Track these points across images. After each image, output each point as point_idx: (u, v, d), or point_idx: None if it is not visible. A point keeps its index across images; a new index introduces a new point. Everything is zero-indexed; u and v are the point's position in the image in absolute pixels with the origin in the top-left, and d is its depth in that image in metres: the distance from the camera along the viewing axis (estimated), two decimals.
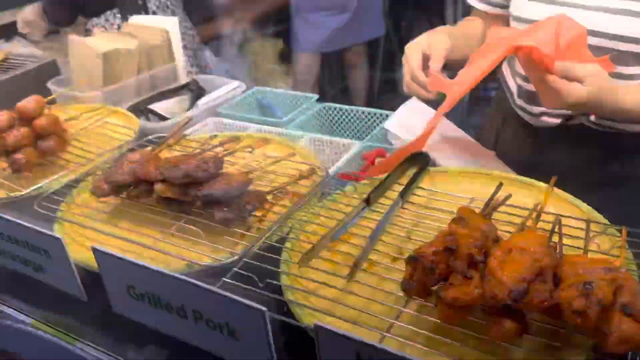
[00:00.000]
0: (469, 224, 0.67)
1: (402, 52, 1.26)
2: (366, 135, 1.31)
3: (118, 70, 1.48)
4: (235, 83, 1.51)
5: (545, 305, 0.59)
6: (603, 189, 1.09)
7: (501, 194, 0.80)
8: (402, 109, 1.13)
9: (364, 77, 3.96)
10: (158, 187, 0.89)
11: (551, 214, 0.78)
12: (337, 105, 1.45)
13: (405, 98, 1.23)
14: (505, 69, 1.30)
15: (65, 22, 2.12)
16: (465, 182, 0.96)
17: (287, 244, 0.82)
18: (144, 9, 2.05)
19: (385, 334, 0.65)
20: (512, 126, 1.25)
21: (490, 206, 0.76)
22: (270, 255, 0.81)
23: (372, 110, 1.40)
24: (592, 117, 1.11)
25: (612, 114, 0.99)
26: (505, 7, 1.18)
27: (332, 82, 4.15)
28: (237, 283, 0.74)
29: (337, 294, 0.74)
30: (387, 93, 4.29)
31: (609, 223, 0.78)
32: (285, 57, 3.98)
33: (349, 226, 0.84)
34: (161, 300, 0.73)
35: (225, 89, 1.47)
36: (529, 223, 0.72)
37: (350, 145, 1.23)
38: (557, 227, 0.74)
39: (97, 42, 1.48)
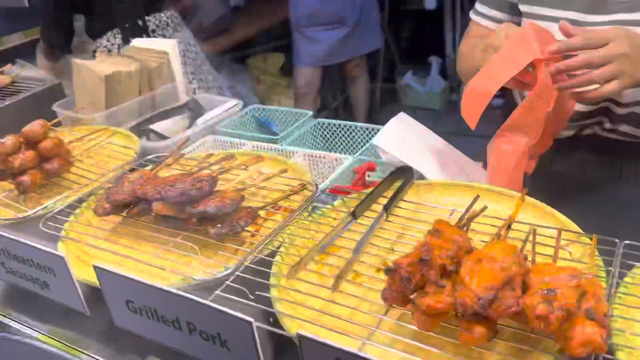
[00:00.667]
0: (443, 236, 0.71)
1: (402, 62, 1.31)
2: (359, 149, 1.36)
3: (120, 92, 1.54)
4: (233, 101, 1.56)
5: (512, 311, 0.63)
6: (617, 198, 1.11)
7: (482, 206, 0.84)
8: (391, 124, 1.18)
9: (365, 89, 4.01)
10: (156, 205, 0.94)
11: (527, 223, 0.82)
12: (332, 121, 1.50)
13: (405, 109, 1.27)
14: None
15: (61, 44, 2.18)
16: (449, 194, 1.00)
17: (278, 257, 0.87)
18: (144, 28, 2.12)
19: (366, 341, 0.69)
20: None
21: (467, 218, 0.80)
22: (261, 268, 0.85)
23: (365, 125, 1.44)
24: (607, 125, 1.13)
25: None
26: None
27: (333, 95, 4.21)
28: (229, 296, 0.78)
29: (323, 304, 0.78)
30: (389, 104, 4.35)
31: (581, 232, 0.81)
32: (287, 71, 4.05)
33: (336, 239, 0.88)
34: (158, 313, 0.77)
35: (222, 108, 1.52)
36: (503, 233, 0.76)
37: (342, 159, 1.27)
38: (530, 236, 0.78)
39: (99, 65, 1.54)
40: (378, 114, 4.18)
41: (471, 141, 1.29)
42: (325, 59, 3.55)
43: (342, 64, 3.76)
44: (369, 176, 1.22)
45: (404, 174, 1.01)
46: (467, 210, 0.80)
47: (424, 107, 4.31)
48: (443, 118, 4.14)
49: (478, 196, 0.84)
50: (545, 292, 0.61)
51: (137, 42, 1.70)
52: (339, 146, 1.49)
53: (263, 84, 4.19)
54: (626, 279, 0.72)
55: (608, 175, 1.20)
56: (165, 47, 1.61)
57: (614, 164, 1.19)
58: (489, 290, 0.62)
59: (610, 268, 0.73)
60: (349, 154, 1.34)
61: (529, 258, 0.73)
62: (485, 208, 0.82)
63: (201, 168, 1.08)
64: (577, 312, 0.63)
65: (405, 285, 0.69)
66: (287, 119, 1.57)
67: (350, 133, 1.48)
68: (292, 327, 0.75)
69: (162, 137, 1.43)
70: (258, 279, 0.82)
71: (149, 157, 1.22)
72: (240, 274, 0.83)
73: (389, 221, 0.93)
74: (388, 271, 0.70)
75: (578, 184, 1.20)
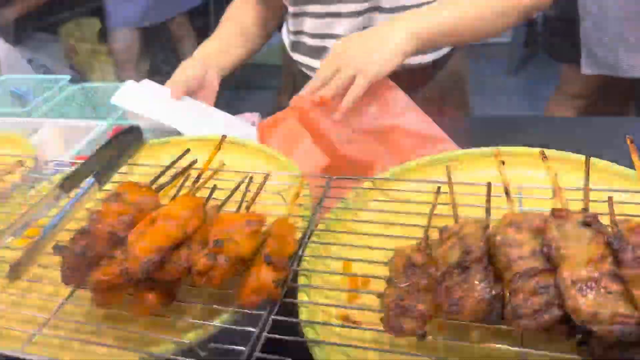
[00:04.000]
0: (124, 199, 0.63)
1: None
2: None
3: None
4: None
5: (182, 270, 0.57)
6: None
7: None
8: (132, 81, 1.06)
9: (194, 48, 3.81)
10: None
11: (243, 172, 0.77)
12: (93, 85, 1.34)
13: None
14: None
15: None
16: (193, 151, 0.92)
17: None
18: None
19: (35, 334, 0.60)
20: (303, 83, 1.22)
21: (179, 174, 0.73)
22: None
23: None
24: None
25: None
26: None
27: (163, 58, 3.93)
28: None
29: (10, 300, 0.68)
30: None
31: (297, 174, 0.78)
32: (105, 36, 3.69)
33: (40, 218, 0.77)
34: None
35: None
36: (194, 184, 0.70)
37: (94, 126, 1.14)
38: (243, 185, 0.73)
39: None
40: None
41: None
42: (140, 19, 3.28)
43: (166, 24, 3.52)
44: None
45: (130, 138, 0.91)
46: (171, 165, 0.73)
47: (266, 63, 4.20)
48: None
49: (189, 149, 0.77)
50: (212, 244, 0.56)
51: None
52: (105, 111, 1.34)
53: (81, 53, 3.79)
54: (328, 215, 0.70)
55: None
56: None
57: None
58: (152, 253, 0.56)
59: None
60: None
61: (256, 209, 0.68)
62: (195, 161, 0.76)
63: None
64: (255, 259, 0.59)
65: (81, 261, 0.60)
66: (45, 87, 1.38)
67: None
68: None
69: None
70: None
71: None
72: None
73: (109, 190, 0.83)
74: (57, 249, 0.60)
75: None
